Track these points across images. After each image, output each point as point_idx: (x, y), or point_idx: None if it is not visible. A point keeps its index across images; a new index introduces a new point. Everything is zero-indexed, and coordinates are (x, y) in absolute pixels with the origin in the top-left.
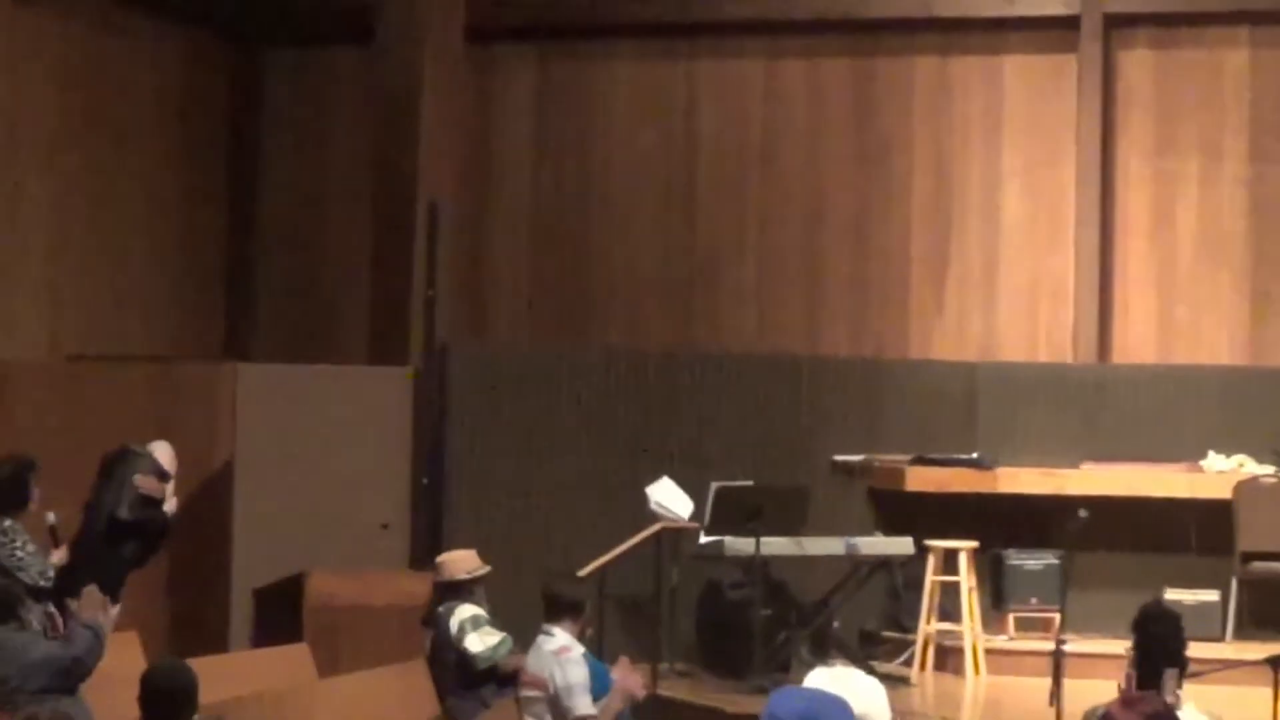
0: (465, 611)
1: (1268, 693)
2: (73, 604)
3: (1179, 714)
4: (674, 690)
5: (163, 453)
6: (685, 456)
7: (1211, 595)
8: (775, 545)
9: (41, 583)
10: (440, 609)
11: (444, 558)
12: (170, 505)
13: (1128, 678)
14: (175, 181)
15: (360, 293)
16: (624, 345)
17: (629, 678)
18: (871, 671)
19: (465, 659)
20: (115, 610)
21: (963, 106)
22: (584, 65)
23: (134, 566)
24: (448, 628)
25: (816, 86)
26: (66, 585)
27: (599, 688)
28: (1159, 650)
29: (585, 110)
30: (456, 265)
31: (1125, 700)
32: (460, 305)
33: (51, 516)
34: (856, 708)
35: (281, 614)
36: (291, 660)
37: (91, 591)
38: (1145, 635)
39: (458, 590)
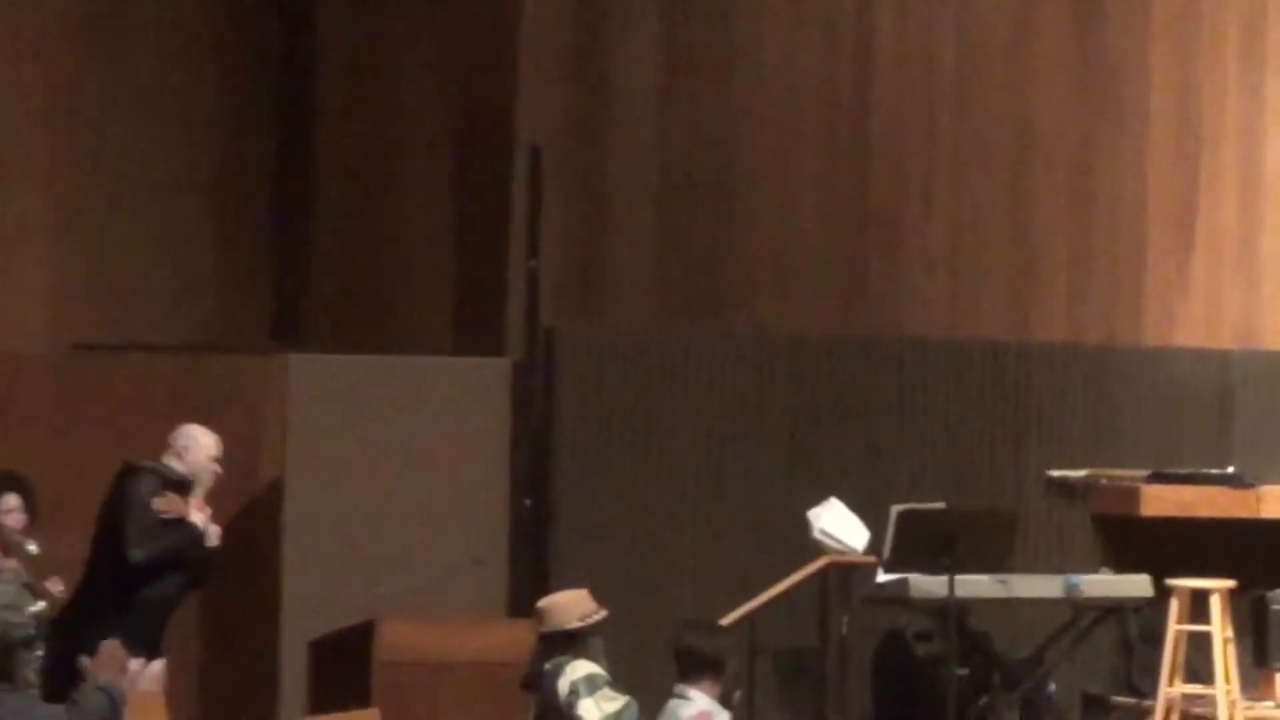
0: (579, 670)
1: None
2: (85, 660)
3: None
4: None
5: (187, 443)
6: (858, 472)
7: None
8: (974, 585)
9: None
10: (547, 667)
11: (549, 601)
12: (200, 518)
13: None
14: (209, 133)
15: (443, 264)
16: (777, 329)
17: None
18: None
19: None
20: (146, 666)
21: (1214, 19)
22: None
23: (173, 608)
24: (556, 690)
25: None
26: (71, 635)
27: None
28: None
29: (726, 26)
30: (565, 228)
31: None
32: (570, 279)
33: (32, 547)
34: None
35: (344, 671)
36: None
37: (110, 646)
38: None
39: (568, 642)
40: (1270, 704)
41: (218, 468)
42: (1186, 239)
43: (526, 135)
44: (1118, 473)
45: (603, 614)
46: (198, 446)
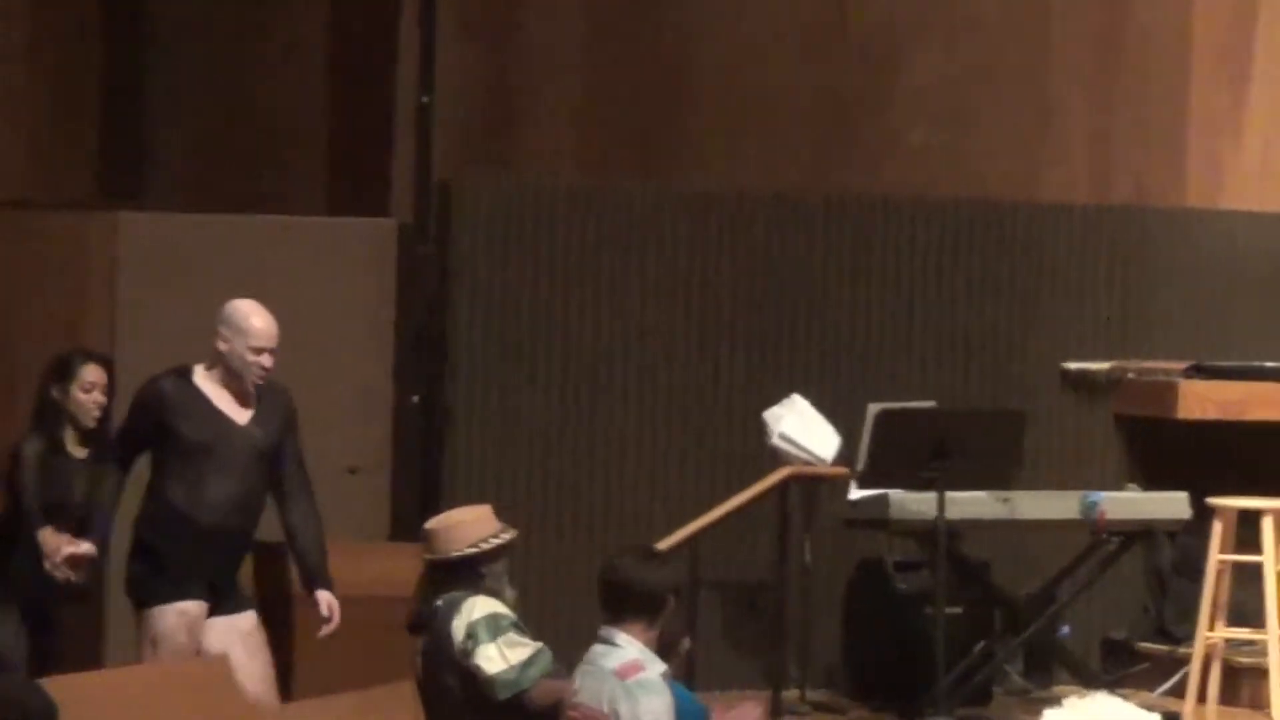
0: (478, 609)
1: None
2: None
3: None
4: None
5: (228, 327)
6: (828, 363)
7: None
8: (970, 505)
9: None
10: (438, 604)
11: (441, 522)
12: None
13: None
14: None
15: (316, 107)
16: (727, 186)
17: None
18: None
19: (476, 684)
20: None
21: None
22: None
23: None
24: (449, 633)
25: None
26: None
27: None
28: None
29: None
30: (465, 62)
31: None
32: (471, 125)
33: None
34: None
35: None
36: (205, 678)
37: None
38: None
39: (464, 573)
40: None
41: (265, 363)
42: (1239, 75)
43: None
44: (1149, 365)
45: (509, 537)
46: (240, 335)
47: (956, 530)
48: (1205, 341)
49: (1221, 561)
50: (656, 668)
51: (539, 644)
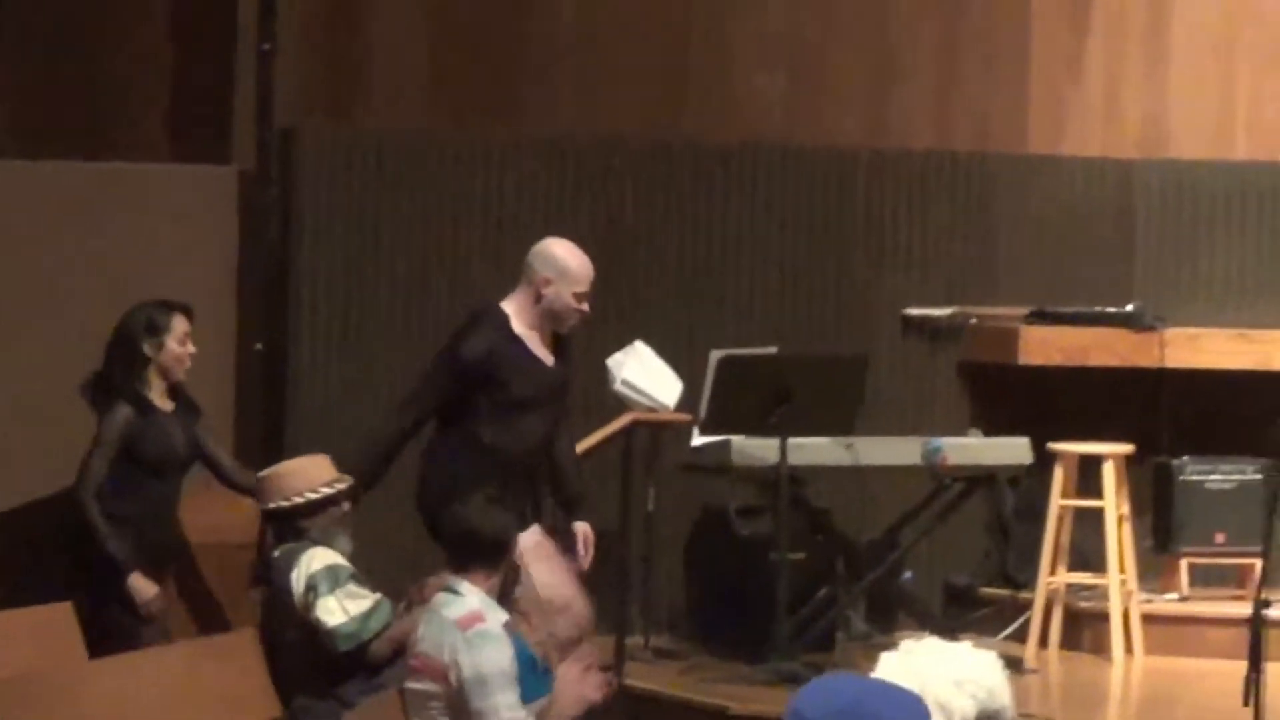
0: (317, 560)
1: None
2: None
3: None
4: (650, 680)
5: (549, 272)
6: (670, 309)
7: None
8: (813, 450)
9: None
10: (276, 555)
11: (275, 470)
12: None
13: None
14: None
15: (155, 52)
16: (580, 131)
17: (584, 676)
18: None
19: (317, 636)
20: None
21: None
22: None
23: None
24: (289, 586)
25: None
26: None
27: (530, 683)
28: None
29: None
30: (309, 7)
31: None
32: (315, 71)
33: None
34: (957, 683)
35: (28, 554)
36: (48, 626)
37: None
38: None
39: (299, 523)
40: (1173, 595)
41: (587, 309)
42: (1080, 23)
43: None
44: (991, 311)
45: (341, 487)
46: (565, 279)
47: (799, 476)
48: (1048, 288)
49: (1063, 507)
50: (498, 617)
51: (378, 595)
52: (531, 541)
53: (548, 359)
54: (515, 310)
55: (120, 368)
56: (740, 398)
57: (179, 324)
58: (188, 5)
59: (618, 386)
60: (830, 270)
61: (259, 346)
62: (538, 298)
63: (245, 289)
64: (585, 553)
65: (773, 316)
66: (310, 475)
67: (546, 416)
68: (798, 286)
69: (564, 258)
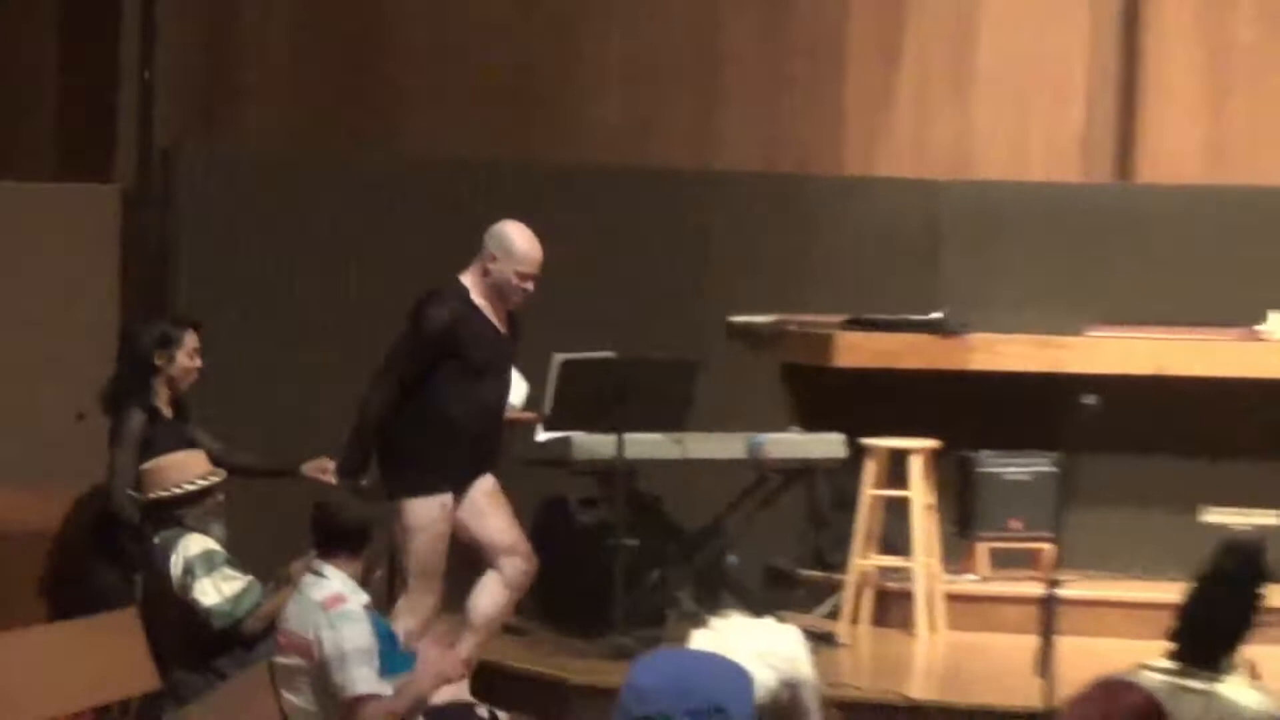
0: (193, 546)
1: None
2: None
3: (1220, 689)
4: (499, 654)
5: (496, 249)
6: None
7: (1270, 517)
8: (646, 445)
9: None
10: (156, 541)
11: (152, 464)
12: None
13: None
14: None
15: (44, 77)
16: (433, 152)
17: (443, 655)
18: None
19: (194, 615)
20: None
21: None
22: None
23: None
24: (167, 570)
25: None
26: None
27: (388, 656)
28: (1228, 615)
29: None
30: (187, 36)
31: (1104, 686)
32: (192, 96)
33: None
34: (761, 656)
35: None
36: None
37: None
38: (1212, 594)
39: (177, 512)
40: (973, 577)
41: (530, 289)
42: (891, 56)
43: None
44: (809, 318)
45: (214, 480)
46: (508, 257)
47: (633, 469)
48: (861, 297)
49: (874, 496)
50: (359, 599)
51: (250, 577)
52: (489, 486)
53: (502, 329)
54: (471, 283)
55: (134, 377)
56: (580, 398)
57: (189, 339)
58: (74, 30)
59: None
60: (663, 281)
61: None
62: (485, 273)
63: (128, 297)
64: None
65: (611, 324)
66: (188, 469)
67: (500, 384)
68: (634, 296)
69: (511, 238)
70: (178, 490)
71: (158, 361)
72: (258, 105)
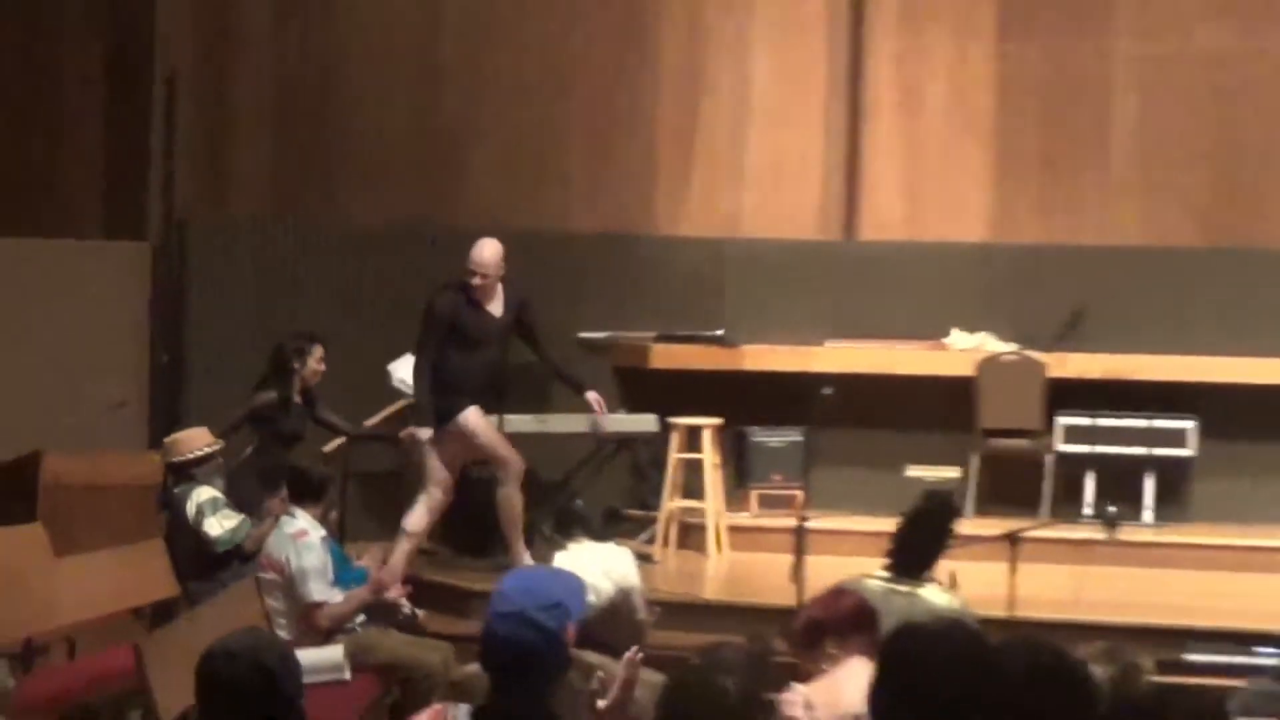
0: (202, 494)
1: (1005, 567)
2: None
3: (921, 592)
4: (417, 568)
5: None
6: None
7: (953, 472)
8: (520, 423)
9: None
10: (175, 491)
11: (173, 438)
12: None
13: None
14: None
15: (96, 167)
16: (366, 218)
17: (385, 576)
18: None
19: (204, 542)
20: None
21: None
22: None
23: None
24: (184, 511)
25: None
26: None
27: (342, 572)
28: (926, 540)
29: None
30: (197, 138)
31: (835, 590)
32: (201, 181)
33: None
34: (606, 572)
35: (13, 495)
36: (26, 540)
37: None
38: (915, 526)
39: (189, 470)
40: (747, 514)
41: (476, 282)
42: (688, 149)
43: (164, 65)
44: (633, 335)
45: (218, 445)
46: (468, 260)
47: (512, 439)
48: (669, 320)
49: (678, 459)
50: (318, 533)
51: (242, 515)
52: (475, 414)
53: (496, 310)
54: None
55: (277, 375)
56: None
57: (318, 350)
58: (114, 124)
59: (394, 383)
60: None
61: (165, 358)
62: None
63: (156, 323)
64: (599, 409)
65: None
66: (197, 440)
67: (493, 349)
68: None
69: (473, 247)
70: (190, 456)
71: (295, 365)
72: (247, 190)
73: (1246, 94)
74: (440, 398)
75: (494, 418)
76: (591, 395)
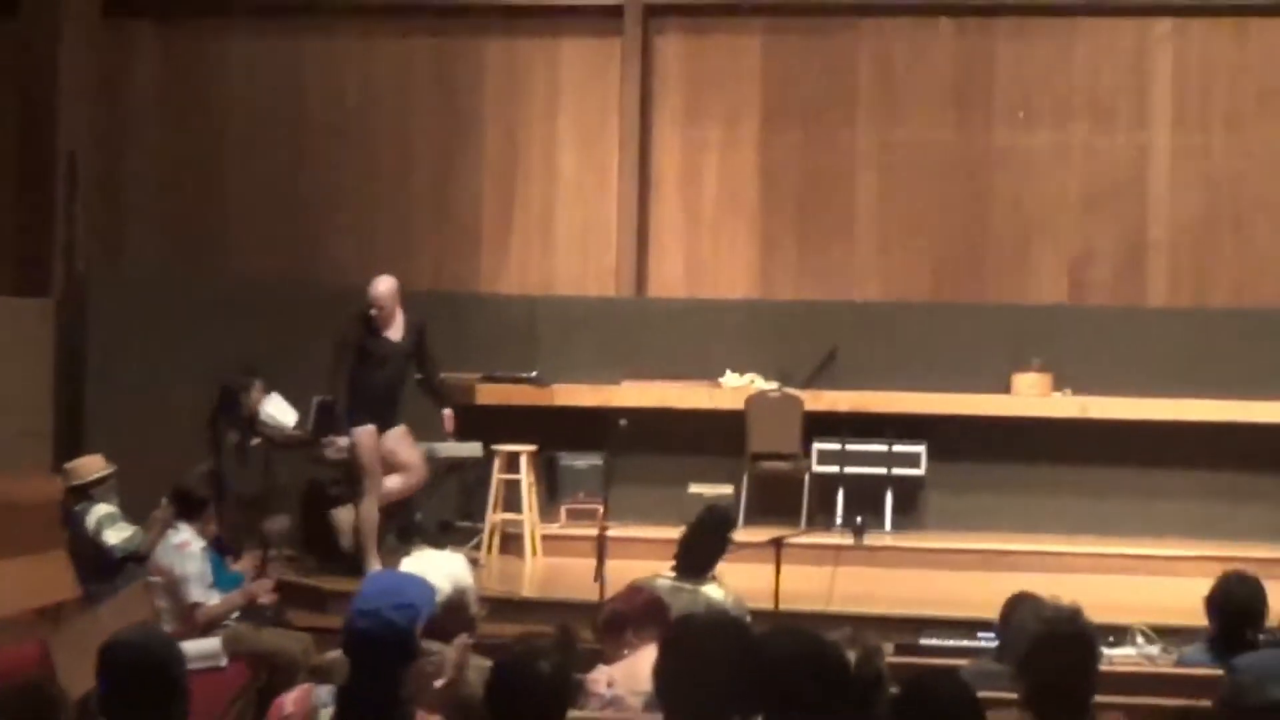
0: (100, 510)
1: (771, 568)
2: None
3: (703, 589)
4: (280, 573)
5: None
6: (293, 375)
7: (727, 489)
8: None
9: None
10: (76, 509)
11: (71, 465)
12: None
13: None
14: None
15: (6, 234)
16: (242, 276)
17: (259, 583)
18: None
19: (103, 551)
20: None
21: (527, 81)
22: (206, 41)
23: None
24: (84, 525)
25: (404, 64)
26: None
27: (220, 577)
28: (706, 546)
29: (207, 78)
30: (95, 208)
31: (631, 588)
32: (101, 242)
33: None
34: (446, 575)
35: None
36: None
37: None
38: (697, 533)
39: (88, 491)
40: (557, 525)
41: (372, 313)
42: (508, 225)
43: (65, 145)
44: (462, 375)
45: (109, 470)
46: (366, 295)
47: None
48: (492, 363)
49: (500, 479)
50: (199, 544)
51: (136, 527)
52: (400, 431)
53: (395, 336)
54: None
55: (225, 410)
56: (329, 421)
57: (258, 383)
58: (25, 202)
59: (263, 417)
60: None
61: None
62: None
63: (60, 362)
64: (450, 425)
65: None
66: (93, 466)
67: (392, 369)
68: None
69: (370, 284)
70: (89, 479)
71: (240, 398)
72: (139, 251)
73: (964, 174)
74: (354, 409)
75: (399, 427)
76: (447, 413)
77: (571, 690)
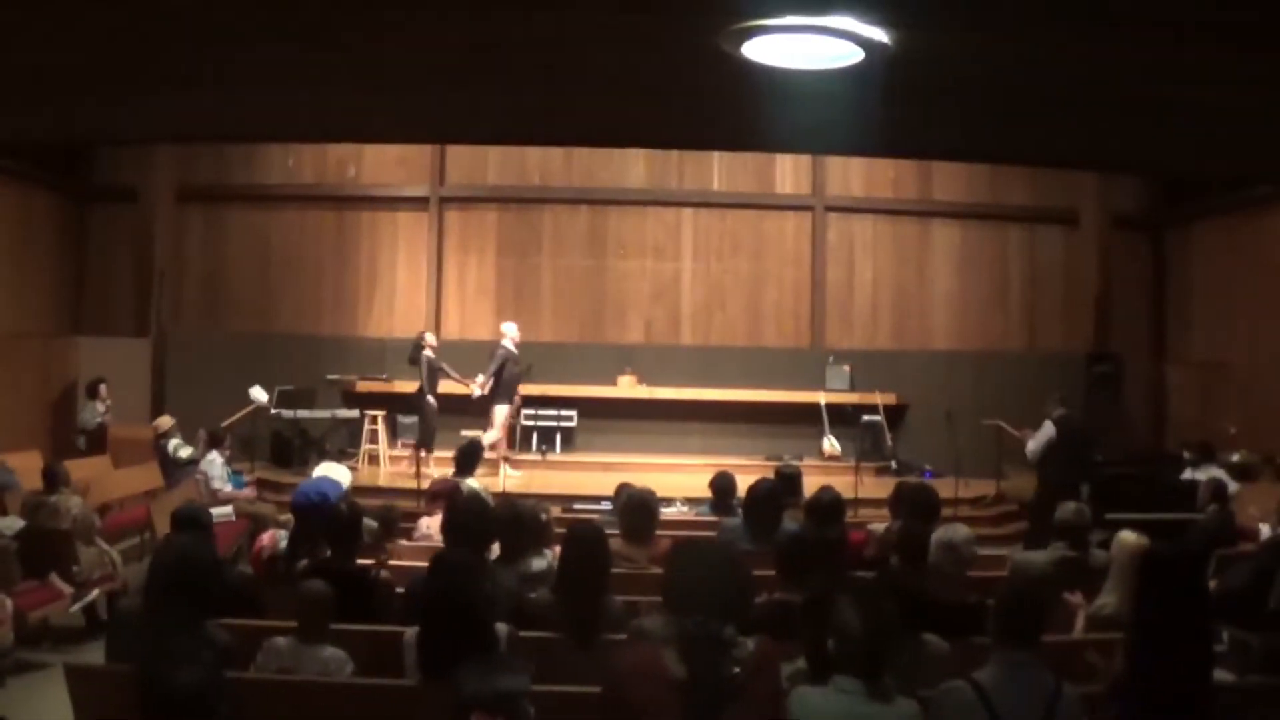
0: (172, 442)
1: (500, 472)
2: None
3: (468, 481)
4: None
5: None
6: (275, 384)
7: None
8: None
9: None
10: (160, 441)
11: (156, 421)
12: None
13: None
14: None
15: (124, 281)
16: (243, 333)
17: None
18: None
19: (173, 461)
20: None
21: (384, 232)
22: (222, 214)
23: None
24: (165, 449)
25: (316, 226)
26: None
27: (234, 480)
28: (467, 458)
29: (222, 238)
30: (168, 295)
31: (437, 480)
32: (172, 311)
33: None
34: (341, 476)
35: None
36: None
37: None
38: (464, 455)
39: (164, 432)
40: (395, 451)
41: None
42: (371, 295)
43: (158, 265)
44: (349, 377)
45: (174, 422)
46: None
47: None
48: (368, 369)
49: (368, 428)
50: (220, 459)
51: (191, 448)
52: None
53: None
54: None
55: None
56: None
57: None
58: (139, 247)
59: (251, 399)
60: (300, 372)
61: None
62: None
63: (153, 374)
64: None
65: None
66: (166, 421)
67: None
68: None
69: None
70: (165, 429)
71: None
72: (191, 313)
73: (595, 279)
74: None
75: None
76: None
77: (394, 528)
